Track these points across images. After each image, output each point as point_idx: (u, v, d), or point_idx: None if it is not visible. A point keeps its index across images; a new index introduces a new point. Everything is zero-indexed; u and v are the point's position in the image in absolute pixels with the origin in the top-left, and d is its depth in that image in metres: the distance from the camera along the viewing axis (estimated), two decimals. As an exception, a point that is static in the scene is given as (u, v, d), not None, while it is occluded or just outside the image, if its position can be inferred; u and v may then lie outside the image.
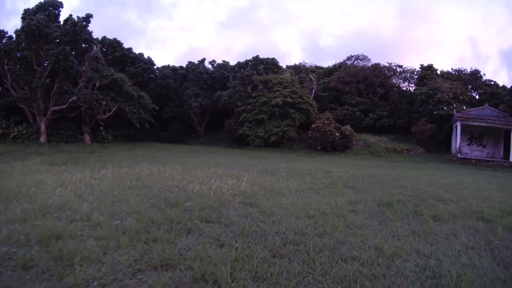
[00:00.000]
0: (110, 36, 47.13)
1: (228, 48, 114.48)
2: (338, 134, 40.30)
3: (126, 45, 48.45)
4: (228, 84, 48.92)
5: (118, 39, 47.37)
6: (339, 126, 42.01)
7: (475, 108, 40.17)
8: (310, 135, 41.33)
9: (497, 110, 38.76)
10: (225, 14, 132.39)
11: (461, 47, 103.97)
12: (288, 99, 43.25)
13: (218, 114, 52.05)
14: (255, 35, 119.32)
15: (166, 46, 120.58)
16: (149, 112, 43.30)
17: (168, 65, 58.40)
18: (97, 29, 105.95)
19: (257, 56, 54.82)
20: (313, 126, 41.59)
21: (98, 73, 35.33)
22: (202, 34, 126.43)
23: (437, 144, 42.74)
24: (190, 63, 57.30)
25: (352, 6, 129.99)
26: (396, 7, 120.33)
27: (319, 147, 40.54)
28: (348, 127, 41.74)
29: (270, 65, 53.98)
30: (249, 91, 47.14)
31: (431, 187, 14.03)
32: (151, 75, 52.29)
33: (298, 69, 58.02)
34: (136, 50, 78.18)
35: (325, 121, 41.14)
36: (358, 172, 19.48)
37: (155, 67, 54.56)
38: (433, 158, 37.44)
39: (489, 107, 39.09)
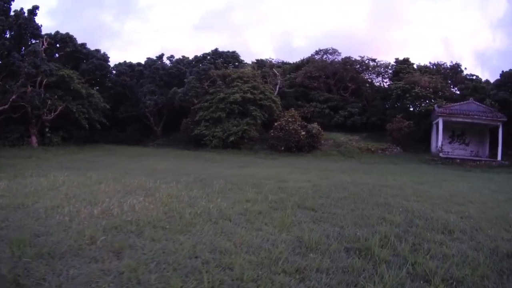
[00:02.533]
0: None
1: (202, 50, 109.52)
2: (303, 133, 35.92)
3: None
4: (185, 80, 44.45)
5: (70, 34, 44.47)
6: (305, 124, 37.73)
7: (458, 103, 36.08)
8: (272, 134, 36.79)
9: (483, 105, 34.85)
10: (199, 15, 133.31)
11: (434, 47, 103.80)
12: (248, 95, 39.06)
13: (176, 113, 47.27)
14: (228, 36, 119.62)
15: (141, 47, 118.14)
16: (100, 111, 40.32)
17: (125, 61, 53.68)
18: (73, 30, 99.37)
19: (216, 49, 50.94)
20: (275, 124, 37.14)
21: (36, 68, 32.57)
22: (176, 36, 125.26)
23: (415, 143, 38.72)
24: (148, 59, 52.48)
25: (326, 7, 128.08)
26: (370, 8, 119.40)
27: (283, 148, 36.06)
28: (315, 125, 37.41)
29: (230, 58, 50.41)
30: (206, 87, 42.81)
31: (424, 204, 10.48)
32: (105, 72, 48.98)
33: (261, 64, 53.48)
34: (111, 52, 79.22)
35: (289, 119, 36.74)
36: (324, 180, 15.73)
37: (112, 63, 51.71)
38: (412, 158, 33.32)
39: (474, 102, 35.11)
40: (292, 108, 41.19)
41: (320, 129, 37.18)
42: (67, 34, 43.91)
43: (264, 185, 12.58)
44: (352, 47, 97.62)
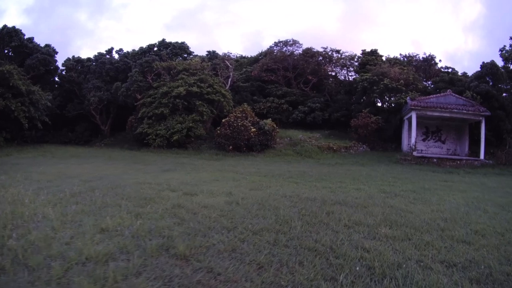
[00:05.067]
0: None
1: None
2: (254, 129, 31.07)
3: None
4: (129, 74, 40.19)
5: (17, 28, 41.76)
6: (257, 120, 32.99)
7: (434, 95, 31.64)
8: (219, 132, 32.02)
9: (463, 98, 30.52)
10: (171, 15, 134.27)
11: (405, 48, 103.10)
12: (194, 89, 34.31)
13: (123, 110, 42.99)
14: (199, 36, 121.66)
15: (112, 46, 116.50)
16: (42, 109, 36.22)
17: (73, 56, 48.61)
18: (47, 29, 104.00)
19: (163, 40, 46.53)
20: (223, 121, 32.47)
21: None
22: (148, 35, 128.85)
23: (383, 141, 34.54)
24: (99, 54, 48.01)
25: (296, 8, 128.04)
26: (342, 10, 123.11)
27: (231, 147, 31.25)
28: (268, 121, 32.55)
29: (178, 49, 45.74)
30: (150, 80, 38.39)
31: (404, 245, 5.82)
32: (50, 68, 44.40)
33: (213, 56, 48.62)
34: (83, 51, 76.53)
35: (239, 115, 32.09)
36: (253, 192, 11.14)
37: (58, 58, 47.11)
38: (380, 158, 28.72)
39: (453, 94, 30.72)
40: (245, 103, 36.84)
41: (274, 125, 32.64)
42: (13, 27, 41.16)
43: (162, 200, 9.03)
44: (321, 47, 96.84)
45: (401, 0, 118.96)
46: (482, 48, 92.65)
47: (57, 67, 46.42)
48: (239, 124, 30.76)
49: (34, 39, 43.41)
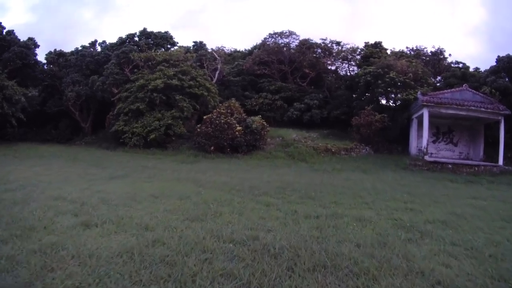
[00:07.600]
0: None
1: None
2: (239, 128, 27.22)
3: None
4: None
5: None
6: (245, 117, 29.17)
7: (449, 90, 27.81)
8: (199, 130, 28.25)
9: (481, 94, 26.66)
10: (175, 15, 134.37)
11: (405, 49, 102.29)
12: (174, 81, 31.07)
13: (105, 107, 39.64)
14: (201, 36, 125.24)
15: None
16: (17, 106, 34.05)
17: (55, 49, 45.54)
18: (52, 26, 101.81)
19: (144, 29, 42.33)
20: (204, 117, 28.71)
21: None
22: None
23: (388, 142, 30.63)
24: (82, 46, 44.86)
25: (298, 8, 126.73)
26: (344, 11, 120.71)
27: (212, 147, 27.51)
28: (256, 118, 28.68)
29: (160, 39, 41.55)
30: (128, 73, 35.29)
31: None
32: (29, 61, 41.45)
33: (199, 47, 44.88)
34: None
35: (223, 111, 28.26)
36: (182, 225, 7.37)
37: (37, 51, 43.97)
38: (386, 162, 24.89)
39: (470, 89, 26.83)
40: (233, 99, 33.03)
41: (264, 123, 28.74)
42: (-7, 21, 38.72)
43: (38, 234, 6.27)
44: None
45: (401, 1, 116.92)
46: (483, 54, 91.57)
47: (37, 61, 43.65)
48: (222, 121, 26.99)
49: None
